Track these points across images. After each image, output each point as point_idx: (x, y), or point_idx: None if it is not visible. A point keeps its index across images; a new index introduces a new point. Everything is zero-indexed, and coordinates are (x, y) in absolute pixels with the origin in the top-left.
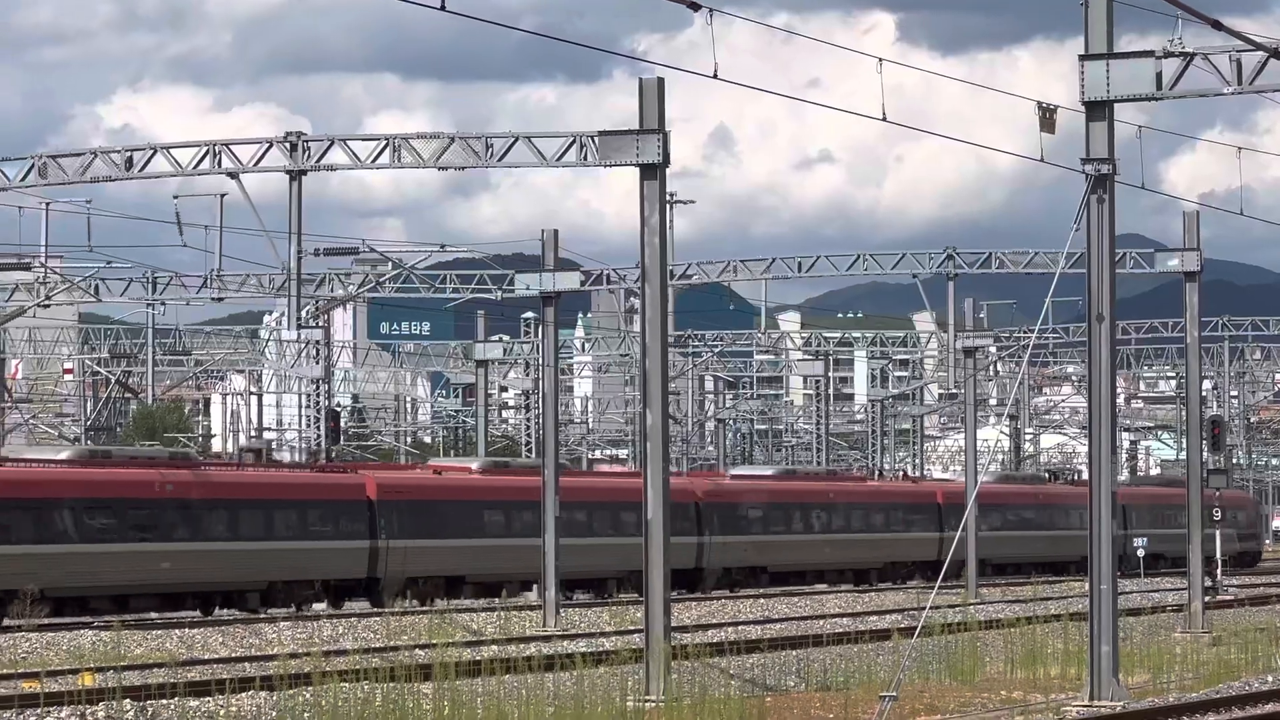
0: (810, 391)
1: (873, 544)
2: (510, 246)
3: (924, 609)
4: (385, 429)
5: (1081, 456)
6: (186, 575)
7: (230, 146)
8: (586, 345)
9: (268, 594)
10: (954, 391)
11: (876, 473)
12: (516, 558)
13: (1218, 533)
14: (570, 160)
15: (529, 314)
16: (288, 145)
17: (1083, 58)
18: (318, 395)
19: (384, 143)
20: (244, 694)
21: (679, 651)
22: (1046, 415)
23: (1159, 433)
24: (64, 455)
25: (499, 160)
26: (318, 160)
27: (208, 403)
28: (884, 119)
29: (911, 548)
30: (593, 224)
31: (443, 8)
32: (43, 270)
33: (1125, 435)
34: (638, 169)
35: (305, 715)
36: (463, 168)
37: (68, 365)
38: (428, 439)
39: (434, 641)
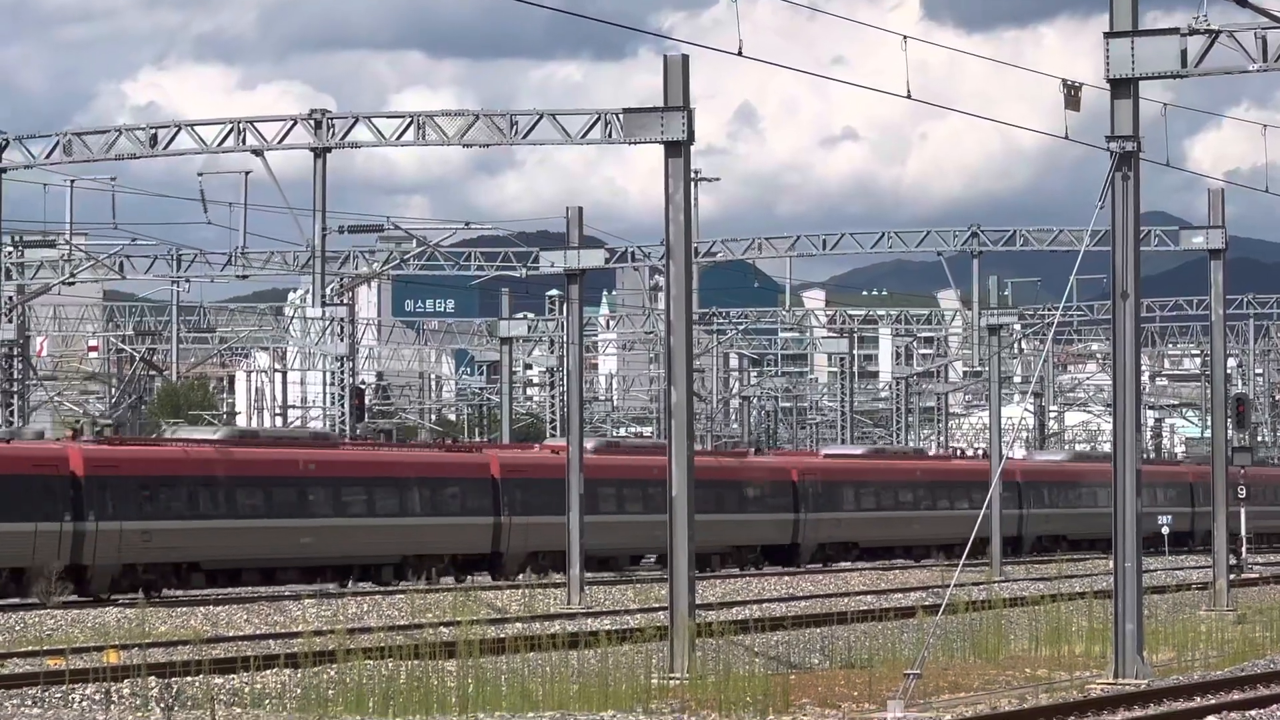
0: (835, 369)
1: (957, 520)
2: (535, 224)
3: (948, 587)
4: (409, 406)
5: (1106, 434)
6: (326, 549)
7: (255, 124)
8: (611, 323)
9: (400, 567)
10: (978, 369)
11: (958, 452)
12: (628, 533)
13: (1243, 510)
14: (595, 138)
15: (554, 291)
16: (312, 123)
17: (1108, 35)
18: (342, 372)
19: (409, 120)
20: (268, 671)
21: (703, 629)
22: (1071, 393)
23: (1184, 411)
24: (216, 436)
25: (524, 138)
26: (342, 138)
27: (232, 380)
28: (909, 96)
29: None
30: (617, 201)
31: None
32: (68, 247)
33: (1149, 413)
34: (662, 146)
35: (330, 693)
36: (487, 145)
37: (92, 343)
38: (452, 416)
39: (458, 619)
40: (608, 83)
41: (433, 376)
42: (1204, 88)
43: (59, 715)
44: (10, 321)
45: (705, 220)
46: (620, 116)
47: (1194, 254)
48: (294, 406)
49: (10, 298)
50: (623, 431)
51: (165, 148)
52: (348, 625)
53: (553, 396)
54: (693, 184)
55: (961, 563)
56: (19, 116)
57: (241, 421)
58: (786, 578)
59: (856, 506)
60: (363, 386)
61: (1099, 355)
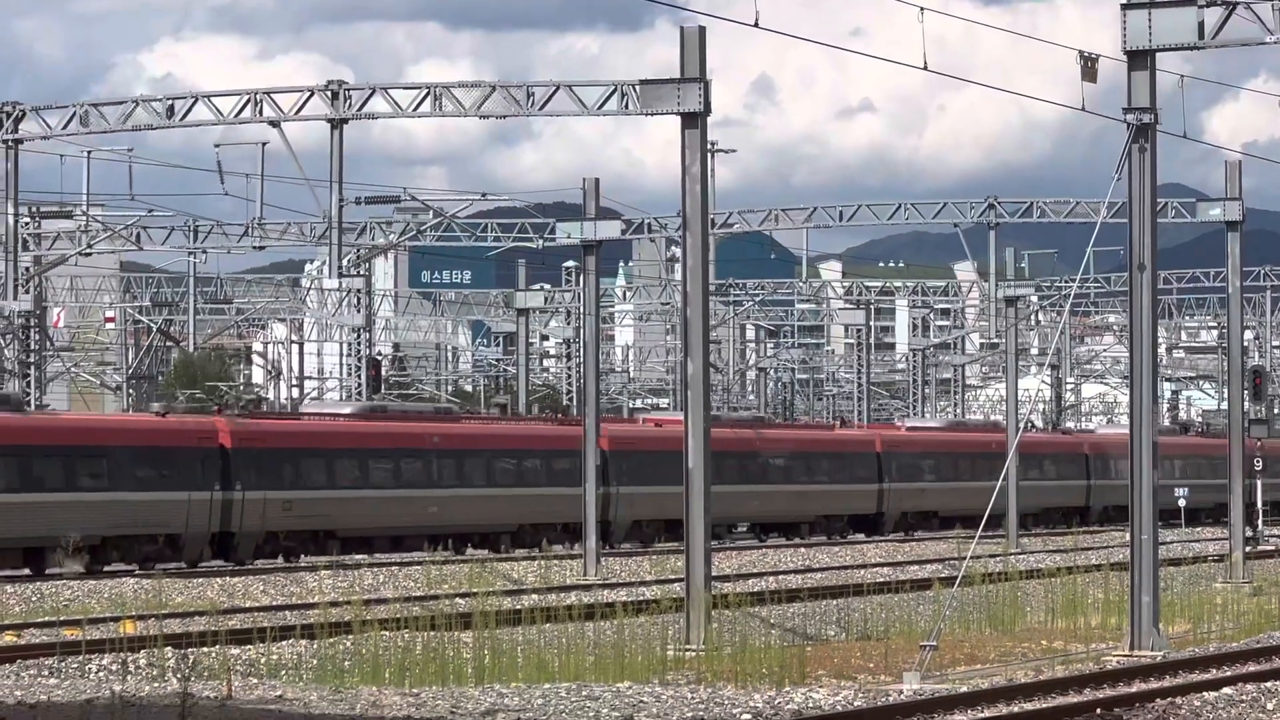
0: (851, 340)
1: (1033, 490)
2: (552, 195)
3: (964, 559)
4: (426, 377)
5: (1123, 406)
6: (451, 518)
7: (272, 95)
8: (627, 294)
9: (517, 535)
10: (995, 341)
11: (1030, 426)
12: (730, 503)
13: (1259, 482)
14: (611, 109)
15: (570, 263)
16: (329, 94)
17: (1125, 7)
18: (359, 344)
19: (425, 91)
20: (285, 642)
21: (719, 601)
22: (1088, 365)
23: (1200, 383)
24: (347, 411)
25: (540, 109)
26: (359, 109)
27: (249, 351)
28: (925, 68)
29: (1065, 494)
30: (634, 173)
31: None
32: (84, 219)
33: (1166, 385)
34: (679, 118)
35: (346, 663)
36: (504, 116)
37: (109, 314)
38: (468, 388)
39: (474, 590)
40: (624, 54)
41: (449, 348)
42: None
43: (76, 685)
44: (27, 292)
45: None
46: (637, 88)
47: (1211, 226)
48: (310, 378)
49: (27, 269)
50: (639, 404)
51: (182, 119)
52: (364, 596)
53: (569, 368)
54: (709, 155)
55: (978, 535)
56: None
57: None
58: (803, 550)
59: (937, 477)
60: (379, 358)
61: (1116, 327)
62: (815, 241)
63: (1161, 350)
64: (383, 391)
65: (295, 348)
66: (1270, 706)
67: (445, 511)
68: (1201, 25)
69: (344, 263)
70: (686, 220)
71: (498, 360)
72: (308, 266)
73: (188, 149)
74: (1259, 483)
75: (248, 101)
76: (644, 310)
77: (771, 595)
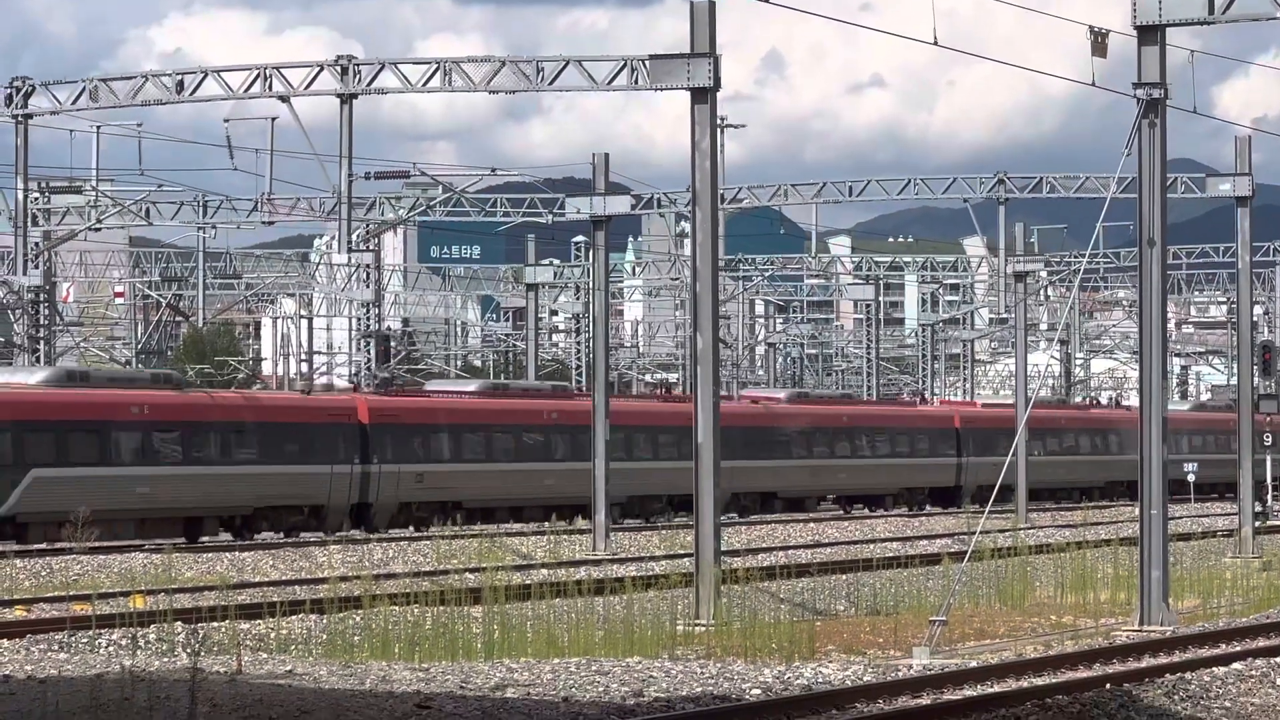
0: (860, 316)
1: (1100, 465)
2: (561, 170)
3: (974, 534)
4: (435, 352)
5: (1132, 381)
6: (566, 490)
7: (281, 70)
8: (637, 269)
9: (626, 507)
10: (1004, 316)
11: (1093, 400)
12: (819, 476)
13: (1269, 458)
14: (621, 84)
15: (579, 238)
16: (339, 69)
17: None
18: (368, 318)
19: (435, 66)
20: (294, 616)
21: (729, 576)
22: (1097, 340)
23: (1210, 358)
24: (472, 388)
25: (550, 84)
26: (369, 84)
27: (258, 326)
28: (935, 43)
29: (1134, 469)
30: (644, 148)
31: None
32: (94, 193)
33: (1176, 360)
34: (689, 93)
35: (355, 638)
36: (514, 91)
37: (118, 289)
38: (478, 362)
39: (483, 565)
40: (634, 29)
41: (458, 323)
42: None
43: (85, 660)
44: (37, 267)
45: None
46: (647, 63)
47: (1221, 201)
48: (320, 353)
49: (37, 244)
50: (648, 379)
51: (192, 94)
52: (373, 571)
53: (578, 343)
54: (719, 131)
55: (988, 510)
56: (46, 63)
57: (267, 368)
58: (812, 525)
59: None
60: (388, 333)
61: (1125, 302)
62: (825, 217)
63: (1171, 325)
64: (390, 365)
65: (304, 323)
66: (1279, 681)
67: (561, 484)
68: (1211, 0)
69: (353, 238)
70: (696, 195)
71: (507, 335)
72: (317, 241)
73: (197, 124)
74: (1269, 458)
75: (257, 76)
76: (653, 285)
77: (781, 570)
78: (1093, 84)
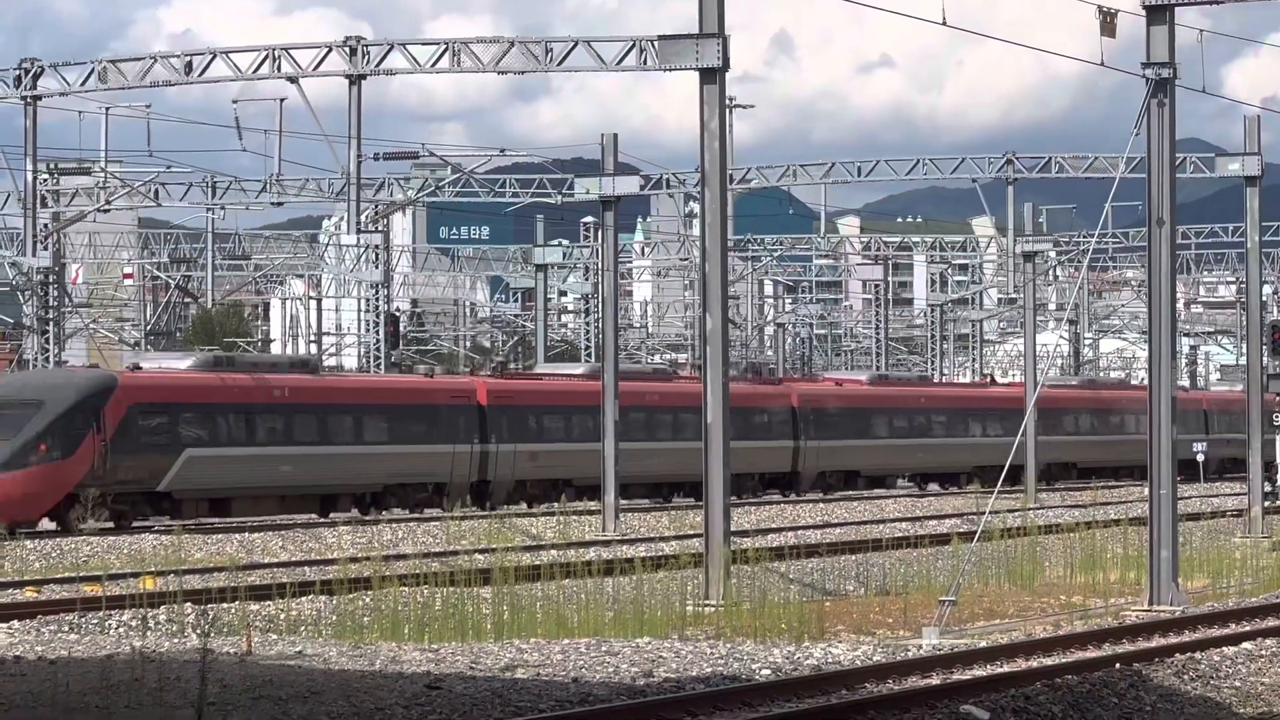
0: (869, 296)
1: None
2: (570, 151)
3: (984, 514)
4: (444, 333)
5: (1141, 361)
6: (667, 469)
7: (290, 51)
8: (646, 249)
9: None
10: (1013, 296)
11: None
12: (900, 455)
13: (1278, 438)
14: (630, 65)
15: (588, 218)
16: (347, 50)
17: None
18: (377, 299)
19: (444, 47)
20: (304, 598)
21: (738, 556)
22: (1106, 320)
23: (1219, 338)
24: (579, 371)
25: (559, 65)
26: (377, 65)
27: (267, 307)
28: (944, 23)
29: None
30: (653, 129)
31: None
32: (103, 175)
33: (1185, 340)
34: (697, 73)
35: (365, 619)
36: (522, 72)
37: (127, 270)
38: (486, 343)
39: (493, 546)
40: (643, 9)
41: (467, 303)
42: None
43: (96, 641)
44: (46, 249)
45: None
46: (655, 43)
47: (1230, 181)
48: (329, 334)
49: (46, 225)
50: (657, 359)
51: (200, 75)
52: (383, 552)
53: (587, 323)
54: (728, 111)
55: (997, 489)
56: (55, 44)
57: (276, 349)
58: (821, 505)
59: (1076, 431)
60: (397, 313)
61: (1134, 282)
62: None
63: (1180, 305)
64: (400, 348)
65: (313, 304)
66: None
67: (664, 463)
68: None
69: (362, 218)
70: (705, 176)
71: (516, 316)
72: (326, 222)
73: (206, 105)
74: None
75: (266, 57)
76: (662, 266)
77: (790, 551)
78: (1102, 64)
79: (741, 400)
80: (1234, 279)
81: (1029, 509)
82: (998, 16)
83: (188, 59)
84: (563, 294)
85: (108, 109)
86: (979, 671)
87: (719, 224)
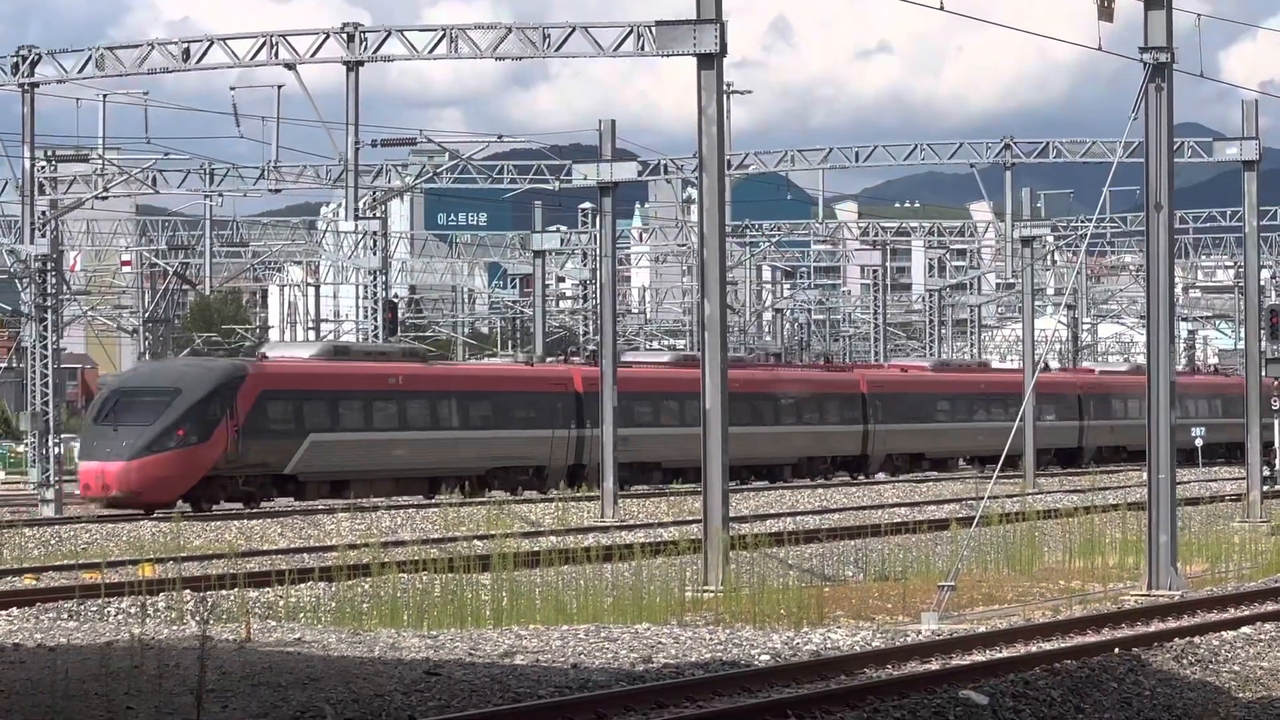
0: (867, 281)
1: (1228, 427)
2: (568, 137)
3: (982, 499)
4: (442, 319)
5: (1139, 346)
6: (749, 453)
7: (288, 38)
8: (644, 235)
9: (796, 466)
10: (1011, 281)
11: (1214, 368)
12: (960, 438)
13: (1277, 422)
14: (627, 50)
15: (586, 204)
16: (345, 36)
17: None
18: (375, 286)
19: (441, 33)
20: (303, 585)
21: (737, 542)
22: (1104, 305)
23: (1217, 322)
24: (665, 359)
25: (556, 51)
26: (375, 51)
27: (265, 294)
28: (942, 9)
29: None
30: (650, 115)
31: None
32: (100, 162)
33: (1183, 325)
34: (695, 59)
35: (364, 606)
36: (520, 58)
37: (125, 257)
38: (485, 329)
39: (492, 533)
40: None
41: (465, 290)
42: None
43: (95, 628)
44: (44, 236)
45: (738, 133)
46: (653, 29)
47: (1228, 165)
48: (326, 320)
49: (44, 212)
50: (655, 345)
51: (198, 62)
52: (381, 539)
53: (585, 309)
54: (726, 97)
55: (995, 475)
56: (52, 31)
57: (275, 335)
58: (820, 490)
59: (1125, 415)
60: (395, 300)
61: (1132, 267)
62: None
63: (1178, 290)
64: (399, 334)
65: (311, 290)
66: None
67: (743, 446)
68: None
69: (360, 205)
70: (703, 161)
71: (514, 302)
72: (324, 209)
73: (204, 92)
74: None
75: (263, 44)
76: (660, 252)
77: (789, 536)
78: (1099, 49)
79: (816, 386)
80: (1232, 264)
81: (1028, 494)
82: (996, 1)
83: (185, 46)
84: (561, 280)
85: (105, 96)
86: (978, 656)
87: (717, 209)
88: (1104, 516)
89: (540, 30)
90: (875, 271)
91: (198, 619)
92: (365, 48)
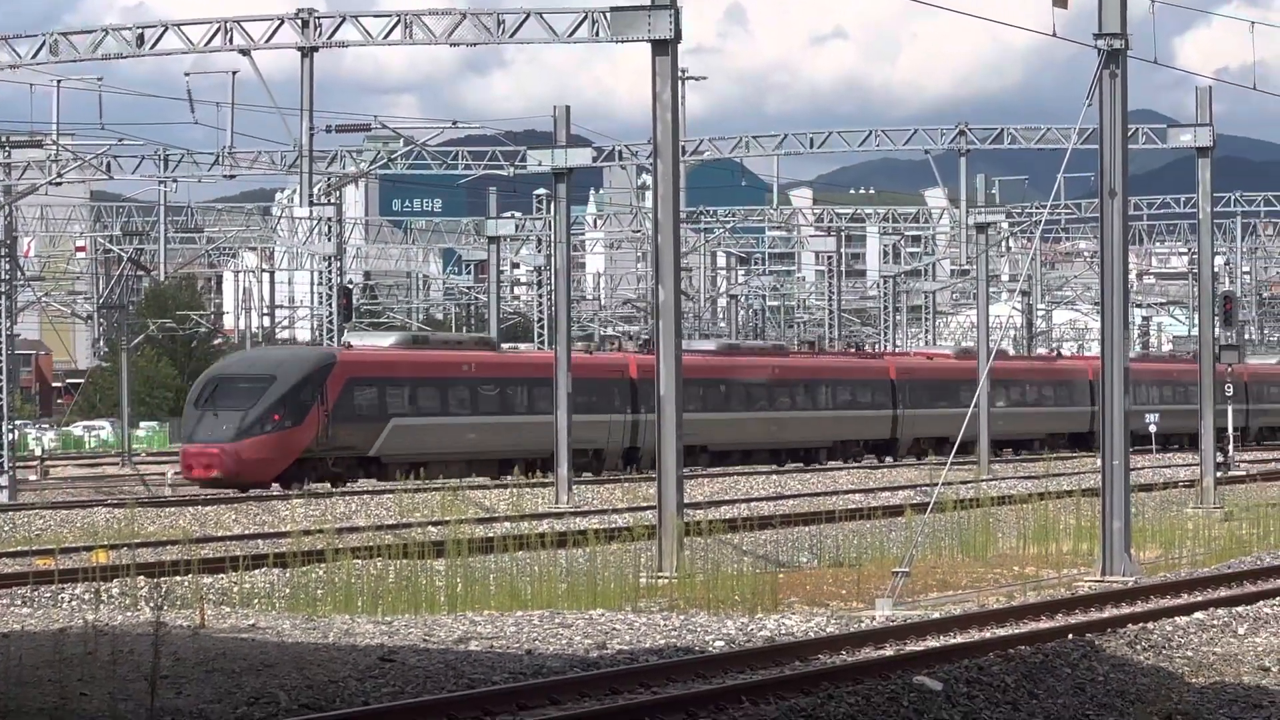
0: (822, 268)
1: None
2: (523, 123)
3: (937, 485)
4: (397, 306)
5: (1094, 332)
6: (785, 436)
7: (242, 23)
8: (598, 221)
9: (831, 449)
10: (966, 268)
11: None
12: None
13: (1230, 408)
14: (582, 36)
15: (541, 190)
16: (299, 22)
17: None
18: (330, 272)
19: (396, 19)
20: (257, 571)
21: (691, 528)
22: (1059, 291)
23: (1171, 309)
24: (710, 347)
25: (511, 36)
26: (329, 37)
27: (219, 280)
28: None
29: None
30: (605, 100)
31: None
32: (54, 148)
33: (1137, 311)
34: (650, 45)
35: (318, 592)
36: (475, 44)
37: (80, 243)
38: (439, 315)
39: (447, 519)
40: None
41: (420, 276)
42: None
43: (49, 615)
44: None
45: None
46: (608, 15)
47: (1182, 152)
48: (281, 306)
49: None
50: (610, 331)
51: (152, 48)
52: (336, 525)
53: (540, 295)
54: (680, 83)
55: (949, 461)
56: (6, 17)
57: (229, 321)
58: (775, 477)
59: (1134, 400)
60: (350, 286)
61: (1087, 253)
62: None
63: (1132, 276)
64: (353, 320)
65: (266, 276)
66: (1241, 631)
67: (782, 430)
68: None
69: (315, 191)
70: (657, 147)
71: (469, 289)
72: (278, 195)
73: (158, 78)
74: (1230, 408)
75: (218, 30)
76: (615, 238)
77: (744, 523)
78: (1054, 35)
79: (848, 373)
80: (1186, 250)
81: (981, 480)
82: None
83: (139, 31)
84: (515, 266)
85: (59, 81)
86: (932, 642)
87: (671, 196)
88: (1058, 503)
89: (495, 16)
90: (830, 258)
91: (152, 605)
92: (320, 33)
